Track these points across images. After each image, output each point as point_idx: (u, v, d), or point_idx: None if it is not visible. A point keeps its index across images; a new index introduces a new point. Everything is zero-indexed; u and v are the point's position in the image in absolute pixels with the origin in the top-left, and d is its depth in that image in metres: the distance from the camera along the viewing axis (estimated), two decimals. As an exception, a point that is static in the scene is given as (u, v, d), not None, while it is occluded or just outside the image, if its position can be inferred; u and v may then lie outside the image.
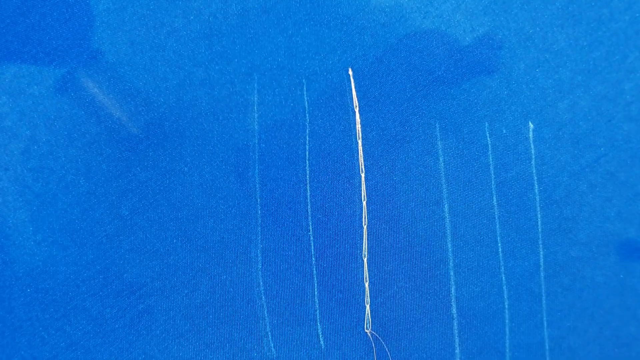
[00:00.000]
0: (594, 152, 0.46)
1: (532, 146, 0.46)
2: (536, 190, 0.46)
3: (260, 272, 0.45)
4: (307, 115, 0.45)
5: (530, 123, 0.46)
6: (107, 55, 0.44)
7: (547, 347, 0.46)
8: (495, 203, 0.46)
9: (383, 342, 0.45)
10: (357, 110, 0.46)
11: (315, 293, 0.45)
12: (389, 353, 0.45)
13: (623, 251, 0.46)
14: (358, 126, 0.46)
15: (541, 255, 0.46)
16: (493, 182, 0.46)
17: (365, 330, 0.45)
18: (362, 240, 0.45)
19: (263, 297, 0.45)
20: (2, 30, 0.44)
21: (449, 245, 0.46)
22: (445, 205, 0.46)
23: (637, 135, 0.47)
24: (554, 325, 0.46)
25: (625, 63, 0.47)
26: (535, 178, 0.46)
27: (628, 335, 0.47)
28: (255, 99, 0.45)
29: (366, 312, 0.45)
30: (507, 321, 0.46)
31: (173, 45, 0.44)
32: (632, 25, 0.47)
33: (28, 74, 0.43)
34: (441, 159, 0.46)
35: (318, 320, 0.45)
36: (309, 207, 0.45)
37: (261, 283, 0.45)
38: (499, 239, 0.46)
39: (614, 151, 0.47)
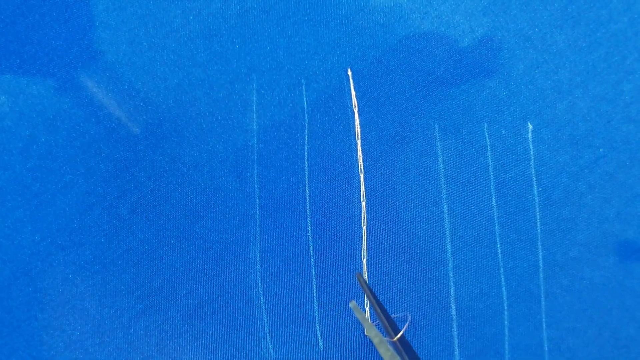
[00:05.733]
0: (593, 153, 0.46)
1: (531, 147, 0.46)
2: (535, 191, 0.46)
3: (259, 272, 0.45)
4: (306, 115, 0.45)
5: (529, 124, 0.46)
6: (106, 55, 0.44)
7: (546, 348, 0.46)
8: (494, 204, 0.46)
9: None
10: (356, 110, 0.46)
11: (314, 294, 0.45)
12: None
13: (622, 252, 0.46)
14: (357, 126, 0.46)
15: (540, 256, 0.46)
16: (492, 183, 0.46)
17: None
18: (361, 241, 0.45)
19: (262, 298, 0.45)
20: (2, 30, 0.44)
21: (448, 246, 0.46)
22: (445, 206, 0.46)
23: (635, 136, 0.47)
24: (553, 326, 0.46)
25: (624, 64, 0.47)
26: (534, 179, 0.46)
27: (627, 336, 0.46)
28: (254, 99, 0.45)
29: (366, 313, 0.45)
30: (506, 322, 0.46)
31: (172, 46, 0.44)
32: (631, 27, 0.47)
33: (28, 74, 0.43)
34: (440, 159, 0.46)
35: (317, 321, 0.45)
36: (307, 207, 0.45)
37: (260, 284, 0.45)
38: (498, 239, 0.46)
39: (612, 152, 0.47)
